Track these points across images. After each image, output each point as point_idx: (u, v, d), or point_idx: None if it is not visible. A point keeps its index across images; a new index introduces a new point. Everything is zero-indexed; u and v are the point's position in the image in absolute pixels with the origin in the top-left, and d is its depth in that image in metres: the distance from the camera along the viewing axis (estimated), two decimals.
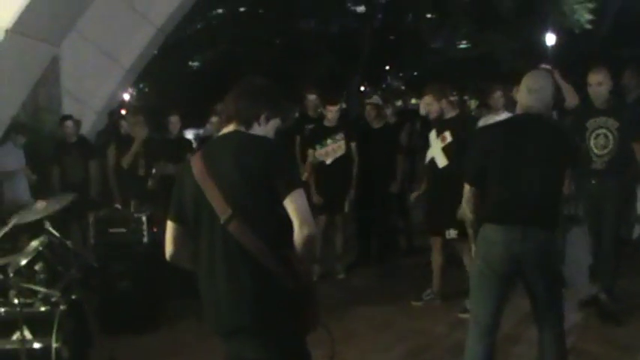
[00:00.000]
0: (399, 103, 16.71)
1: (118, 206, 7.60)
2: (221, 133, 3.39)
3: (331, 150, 8.23)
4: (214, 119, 8.81)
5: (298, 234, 3.07)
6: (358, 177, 8.34)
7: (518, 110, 4.54)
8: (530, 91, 4.42)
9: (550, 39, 25.12)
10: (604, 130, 6.35)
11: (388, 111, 9.13)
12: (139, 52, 10.77)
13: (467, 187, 4.44)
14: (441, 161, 6.79)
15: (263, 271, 3.10)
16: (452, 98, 10.29)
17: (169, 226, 3.36)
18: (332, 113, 8.29)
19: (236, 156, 3.17)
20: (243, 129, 3.29)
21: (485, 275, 4.35)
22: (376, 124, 8.77)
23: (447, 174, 6.65)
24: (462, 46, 26.54)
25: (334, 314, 6.36)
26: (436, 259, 7.17)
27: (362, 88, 27.27)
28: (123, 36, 10.38)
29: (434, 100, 6.85)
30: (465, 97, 15.02)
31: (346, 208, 8.38)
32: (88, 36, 9.95)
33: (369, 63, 24.44)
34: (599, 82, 6.33)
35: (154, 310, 6.97)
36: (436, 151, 6.84)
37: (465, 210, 4.52)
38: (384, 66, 29.44)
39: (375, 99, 9.35)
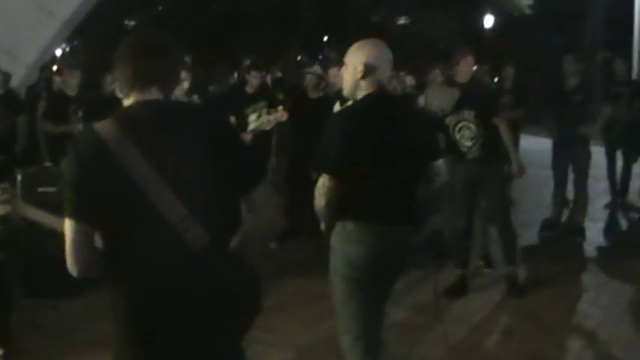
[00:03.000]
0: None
1: (48, 164, 7.38)
2: (139, 101, 2.47)
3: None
4: (109, 78, 8.55)
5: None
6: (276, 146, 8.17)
7: (369, 86, 3.75)
8: (388, 59, 3.77)
9: (488, 21, 25.40)
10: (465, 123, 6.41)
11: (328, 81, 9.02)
12: (76, 6, 10.42)
13: (326, 178, 3.62)
14: None
15: (221, 276, 2.49)
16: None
17: (74, 229, 2.40)
18: (256, 79, 7.99)
19: (183, 137, 2.41)
20: (165, 96, 2.51)
21: (359, 280, 3.68)
22: (314, 94, 8.66)
23: None
24: (401, 22, 26.64)
25: (264, 285, 6.30)
26: None
27: (298, 58, 27.18)
28: None
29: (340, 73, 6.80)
30: (401, 74, 15.05)
31: (270, 176, 8.26)
32: None
33: (308, 33, 24.34)
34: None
35: None
36: None
37: (320, 201, 3.71)
38: (322, 37, 29.40)
39: (316, 69, 9.22)
